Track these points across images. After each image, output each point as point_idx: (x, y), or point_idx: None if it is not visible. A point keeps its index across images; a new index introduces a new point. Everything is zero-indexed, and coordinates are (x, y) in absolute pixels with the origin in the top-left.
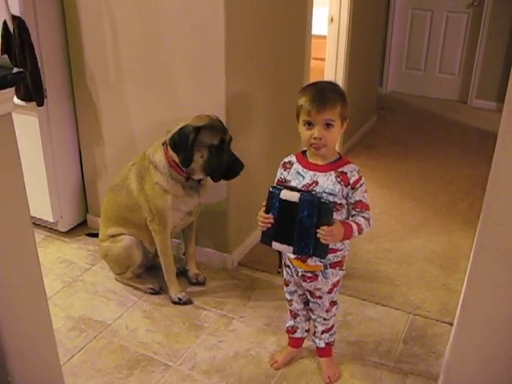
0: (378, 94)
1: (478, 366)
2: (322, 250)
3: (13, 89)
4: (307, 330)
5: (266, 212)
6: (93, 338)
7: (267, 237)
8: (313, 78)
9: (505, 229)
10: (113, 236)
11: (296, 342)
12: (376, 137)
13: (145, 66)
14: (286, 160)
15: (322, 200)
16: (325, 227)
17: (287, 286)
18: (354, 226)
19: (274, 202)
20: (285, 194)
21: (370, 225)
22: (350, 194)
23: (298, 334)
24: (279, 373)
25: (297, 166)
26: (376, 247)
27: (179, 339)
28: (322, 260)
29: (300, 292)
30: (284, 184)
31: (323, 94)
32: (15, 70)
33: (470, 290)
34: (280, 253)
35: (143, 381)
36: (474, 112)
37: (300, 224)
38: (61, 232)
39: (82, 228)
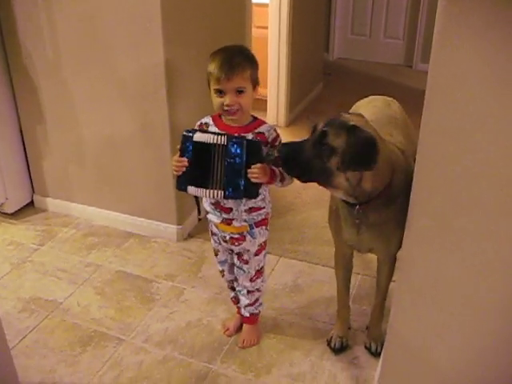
0: (325, 61)
1: (418, 323)
2: (253, 190)
3: None
4: None
5: (181, 156)
6: (44, 317)
7: (182, 182)
8: (256, 47)
9: (436, 187)
10: None
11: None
12: (323, 103)
13: (82, 42)
14: (203, 121)
15: (250, 138)
16: (257, 165)
17: (216, 255)
18: (277, 170)
19: (187, 146)
20: (199, 137)
21: (292, 178)
22: (269, 152)
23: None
24: (231, 339)
25: (213, 129)
26: (323, 211)
27: (131, 313)
28: (247, 220)
29: (230, 261)
30: (198, 129)
31: (231, 60)
32: None
33: (407, 248)
34: (197, 198)
35: (97, 356)
36: (419, 75)
37: (229, 166)
38: (7, 214)
39: (29, 209)
